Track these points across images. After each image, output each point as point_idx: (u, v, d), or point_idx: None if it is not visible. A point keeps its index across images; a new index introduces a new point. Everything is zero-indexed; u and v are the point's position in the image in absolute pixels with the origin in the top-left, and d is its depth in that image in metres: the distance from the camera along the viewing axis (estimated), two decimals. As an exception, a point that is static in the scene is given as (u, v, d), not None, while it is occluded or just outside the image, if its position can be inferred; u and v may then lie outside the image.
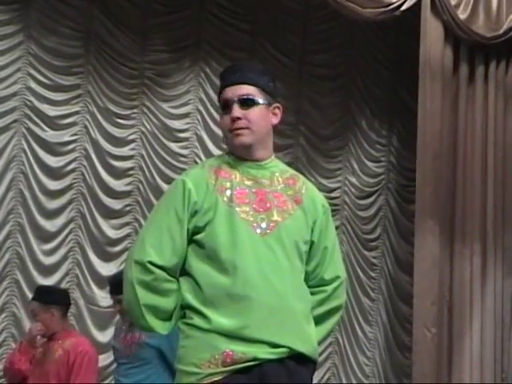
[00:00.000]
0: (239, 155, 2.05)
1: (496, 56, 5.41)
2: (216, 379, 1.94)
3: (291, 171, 2.15)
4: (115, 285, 3.81)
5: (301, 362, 2.01)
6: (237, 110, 2.01)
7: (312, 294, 2.09)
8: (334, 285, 2.12)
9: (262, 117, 2.03)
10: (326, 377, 5.66)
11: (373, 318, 5.88)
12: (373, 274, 5.89)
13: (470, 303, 5.29)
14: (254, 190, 2.03)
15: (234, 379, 1.94)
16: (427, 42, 5.13)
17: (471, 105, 5.40)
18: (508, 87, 5.42)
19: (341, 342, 5.76)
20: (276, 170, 2.09)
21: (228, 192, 2.01)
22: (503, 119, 5.46)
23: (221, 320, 1.94)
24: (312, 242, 2.10)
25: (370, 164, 5.92)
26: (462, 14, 5.22)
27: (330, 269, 2.11)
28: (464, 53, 5.36)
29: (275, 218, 2.02)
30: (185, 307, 2.00)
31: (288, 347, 1.97)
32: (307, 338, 2.04)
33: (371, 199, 5.97)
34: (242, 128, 2.02)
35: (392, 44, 5.81)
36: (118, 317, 4.06)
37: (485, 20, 5.32)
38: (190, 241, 2.02)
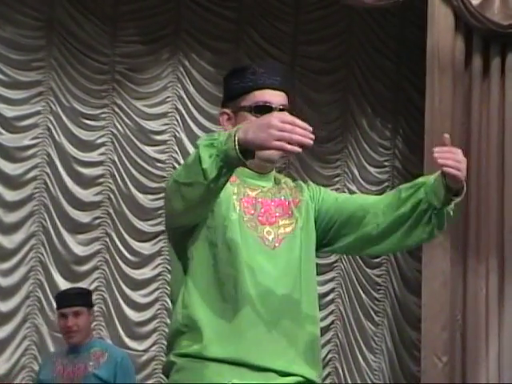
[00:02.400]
0: (255, 167, 2.06)
1: None
2: None
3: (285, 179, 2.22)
4: (69, 296, 3.87)
5: None
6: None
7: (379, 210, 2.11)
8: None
9: None
10: None
11: (377, 345, 5.86)
12: (376, 295, 5.85)
13: (486, 327, 5.17)
14: (259, 200, 2.07)
15: None
16: (435, 31, 5.08)
17: (486, 102, 5.31)
18: None
19: (341, 372, 5.71)
20: (276, 177, 2.15)
21: (235, 197, 2.06)
22: None
23: (222, 346, 1.94)
24: (324, 216, 2.13)
25: (372, 170, 5.90)
26: (475, 0, 5.11)
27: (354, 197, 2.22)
28: (477, 43, 5.29)
29: (282, 230, 2.07)
30: (177, 333, 1.99)
31: (300, 375, 1.98)
32: (318, 362, 2.07)
33: None
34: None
35: (396, 33, 5.83)
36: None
37: (500, 5, 5.21)
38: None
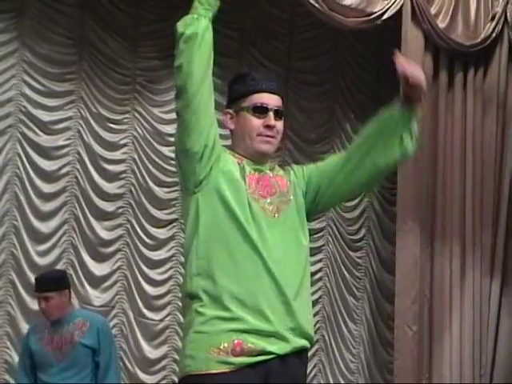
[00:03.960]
0: (252, 158, 2.10)
1: (474, 63, 5.48)
2: (224, 370, 1.93)
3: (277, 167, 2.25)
4: (41, 282, 3.77)
5: (301, 354, 2.03)
6: (273, 119, 2.07)
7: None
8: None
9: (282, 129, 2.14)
10: (313, 373, 5.69)
11: (358, 316, 5.92)
12: (357, 274, 5.94)
13: (450, 302, 5.35)
14: (261, 178, 2.09)
15: (240, 373, 1.94)
16: (408, 50, 5.14)
17: (450, 111, 5.45)
18: (486, 94, 5.48)
19: (327, 339, 5.79)
20: (271, 165, 2.17)
21: (241, 174, 2.07)
22: (481, 125, 5.50)
23: (238, 310, 1.95)
24: (309, 183, 2.15)
25: None
26: (442, 23, 5.29)
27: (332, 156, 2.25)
28: (443, 60, 5.41)
29: (281, 201, 2.08)
30: (199, 293, 1.99)
31: (297, 344, 2.00)
32: (310, 329, 2.06)
33: (356, 201, 5.95)
34: (272, 137, 2.10)
35: (375, 51, 5.79)
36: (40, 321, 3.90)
37: (463, 29, 5.38)
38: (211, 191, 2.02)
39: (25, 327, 4.82)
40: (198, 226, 2.01)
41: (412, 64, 2.04)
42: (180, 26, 1.99)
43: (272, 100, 2.08)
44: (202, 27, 1.99)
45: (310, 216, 2.18)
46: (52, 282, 3.76)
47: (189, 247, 2.03)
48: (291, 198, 2.11)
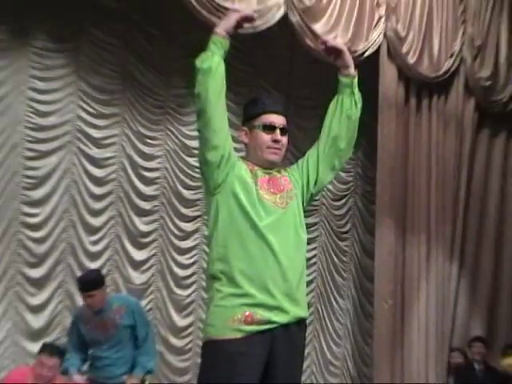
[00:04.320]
0: (263, 166, 2.09)
1: (437, 91, 5.64)
2: (237, 336, 1.92)
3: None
4: (85, 283, 3.77)
5: (300, 322, 2.03)
6: (279, 135, 2.09)
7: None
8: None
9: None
10: (309, 338, 5.75)
11: (345, 293, 6.01)
12: (344, 259, 6.04)
13: (418, 281, 5.50)
14: (270, 179, 2.09)
15: (250, 339, 1.93)
16: (385, 80, 5.37)
17: (418, 129, 5.58)
18: (446, 115, 5.64)
19: (320, 311, 5.89)
20: (277, 170, 2.17)
21: (253, 179, 2.06)
22: (443, 140, 5.64)
23: (250, 289, 1.95)
24: (306, 174, 2.13)
25: (341, 174, 5.90)
26: (411, 60, 5.47)
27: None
28: (413, 89, 5.56)
29: (288, 196, 2.08)
30: (218, 274, 1.98)
31: (296, 315, 2.00)
32: (306, 304, 2.07)
33: (343, 201, 6.05)
34: (279, 149, 2.11)
35: (358, 81, 5.87)
36: (79, 309, 3.94)
37: (428, 64, 5.53)
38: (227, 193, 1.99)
39: (79, 301, 4.60)
40: (217, 221, 2.02)
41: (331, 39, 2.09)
42: (198, 61, 2.02)
43: (278, 119, 2.10)
44: (216, 62, 2.00)
45: (314, 194, 2.19)
46: (94, 283, 3.76)
47: (210, 237, 2.05)
48: (295, 193, 2.13)
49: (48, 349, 3.90)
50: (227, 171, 2.02)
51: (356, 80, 2.14)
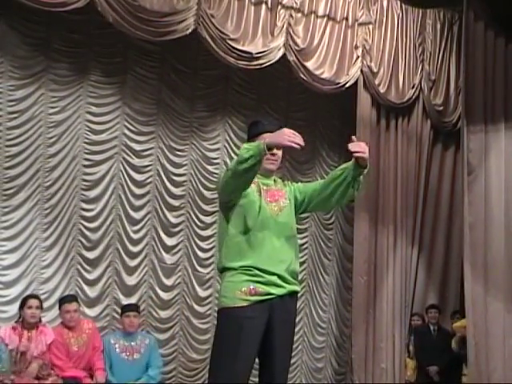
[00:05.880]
0: (263, 174, 2.13)
1: (402, 115, 5.67)
2: (244, 304, 2.00)
3: (279, 180, 2.29)
4: (131, 307, 4.08)
5: (292, 295, 2.10)
6: (275, 149, 2.11)
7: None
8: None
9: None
10: (301, 307, 5.72)
11: (330, 271, 5.96)
12: (330, 245, 5.98)
13: (387, 262, 5.57)
14: (269, 190, 2.13)
15: (254, 307, 2.00)
16: (361, 106, 5.40)
17: (387, 146, 5.61)
18: (408, 134, 5.67)
19: (310, 285, 5.87)
20: (275, 178, 2.24)
21: (257, 189, 2.10)
22: (406, 153, 5.68)
23: (254, 270, 2.01)
24: (298, 193, 2.15)
25: None
26: (382, 89, 5.50)
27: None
28: (383, 113, 5.59)
29: (281, 205, 2.12)
30: (226, 266, 2.06)
31: (290, 289, 2.08)
32: (298, 280, 2.14)
33: None
34: (275, 160, 2.16)
35: (341, 106, 5.75)
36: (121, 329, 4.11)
37: (395, 93, 5.57)
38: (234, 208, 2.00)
39: (126, 277, 5.00)
40: (228, 226, 2.07)
41: (359, 144, 2.03)
42: (244, 152, 1.93)
43: None
44: (256, 165, 1.95)
45: (301, 213, 2.25)
46: (137, 308, 4.16)
47: (221, 241, 2.11)
48: (287, 203, 2.17)
49: (66, 298, 4.06)
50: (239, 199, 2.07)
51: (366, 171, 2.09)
